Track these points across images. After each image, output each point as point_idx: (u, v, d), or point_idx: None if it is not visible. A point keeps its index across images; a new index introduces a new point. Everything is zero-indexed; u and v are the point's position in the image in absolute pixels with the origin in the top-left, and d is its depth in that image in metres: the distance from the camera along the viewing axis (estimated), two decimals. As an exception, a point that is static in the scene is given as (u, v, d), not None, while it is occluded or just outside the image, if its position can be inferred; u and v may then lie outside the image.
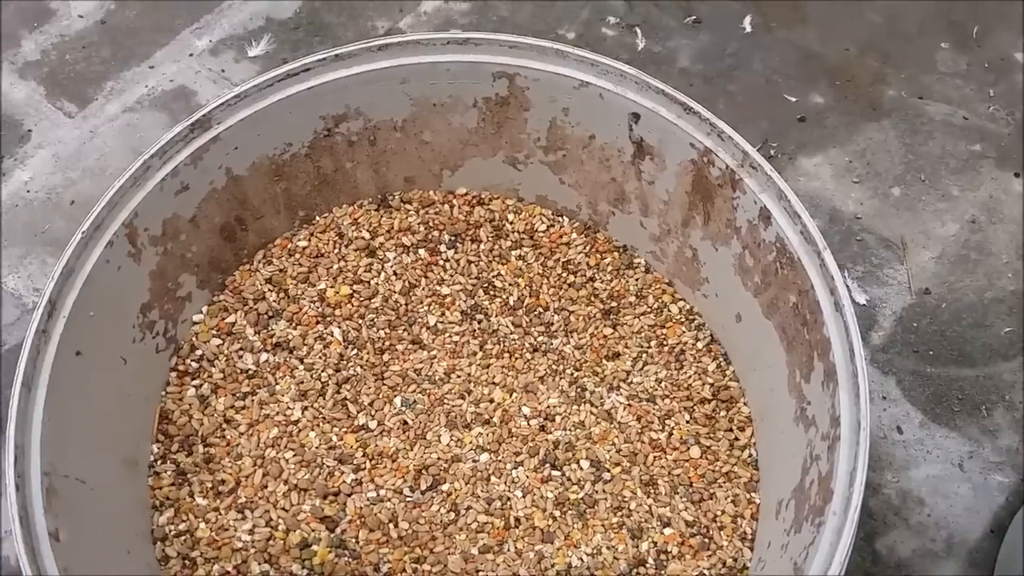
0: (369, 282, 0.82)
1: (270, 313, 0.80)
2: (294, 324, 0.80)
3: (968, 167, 1.05)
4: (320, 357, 0.79)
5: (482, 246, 0.85)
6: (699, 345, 0.81)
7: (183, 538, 0.71)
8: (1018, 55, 1.15)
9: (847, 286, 0.96)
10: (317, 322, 0.80)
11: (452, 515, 0.73)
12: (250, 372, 0.78)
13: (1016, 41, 1.16)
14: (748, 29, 1.18)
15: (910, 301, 0.96)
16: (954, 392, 0.90)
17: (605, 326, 0.82)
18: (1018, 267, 0.98)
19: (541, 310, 0.83)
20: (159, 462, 0.74)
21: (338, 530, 0.72)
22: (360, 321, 0.81)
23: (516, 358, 0.80)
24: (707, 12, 1.20)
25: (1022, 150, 1.06)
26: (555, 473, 0.75)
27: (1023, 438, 0.87)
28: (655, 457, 0.76)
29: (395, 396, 0.78)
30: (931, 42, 1.16)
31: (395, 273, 0.83)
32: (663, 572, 0.71)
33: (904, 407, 0.89)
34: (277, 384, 0.77)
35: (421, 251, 0.84)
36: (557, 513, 0.73)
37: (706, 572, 0.71)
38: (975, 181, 1.04)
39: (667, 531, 0.73)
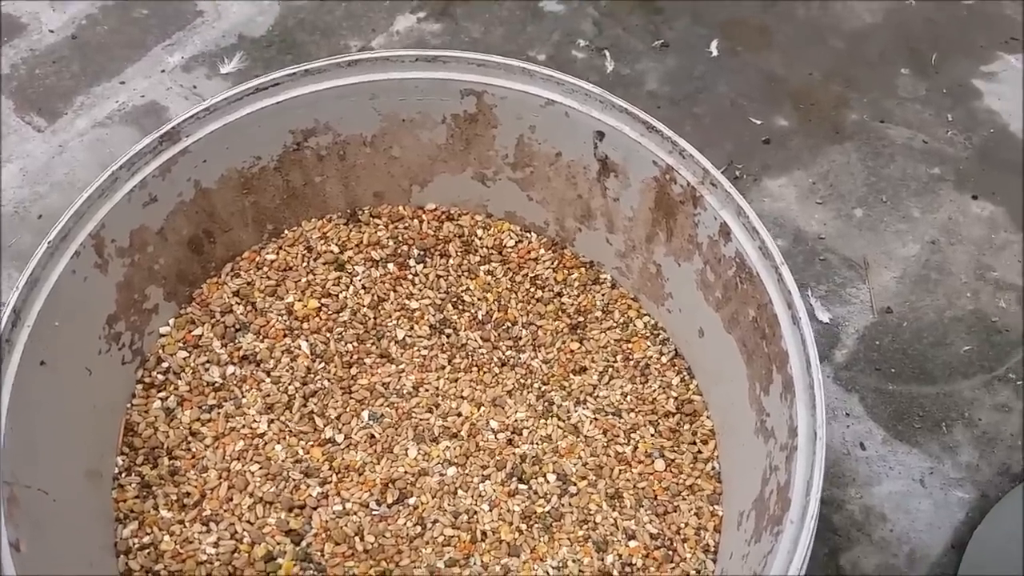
0: (338, 296, 0.83)
1: (237, 326, 0.80)
2: (261, 337, 0.80)
3: (928, 189, 1.08)
4: (287, 370, 0.79)
5: (451, 261, 0.85)
6: (663, 359, 0.82)
7: (147, 551, 0.70)
8: (975, 81, 1.18)
9: (811, 305, 0.98)
10: (285, 335, 0.80)
11: (419, 529, 0.73)
12: (217, 385, 0.78)
13: (973, 68, 1.19)
14: (715, 53, 1.20)
15: (872, 320, 0.97)
16: (915, 409, 0.92)
17: (572, 340, 0.83)
18: (976, 287, 1.00)
19: (509, 324, 0.83)
20: (124, 474, 0.73)
21: (304, 543, 0.71)
22: (328, 334, 0.81)
23: (484, 372, 0.81)
24: (674, 36, 1.22)
25: (979, 173, 1.09)
26: (522, 487, 0.75)
27: (982, 454, 0.89)
28: (620, 470, 0.76)
29: (362, 410, 0.78)
30: (892, 68, 1.19)
31: (364, 287, 0.83)
32: (627, 585, 0.72)
33: (867, 424, 0.91)
34: (244, 397, 0.77)
35: (390, 265, 0.85)
36: (524, 527, 0.74)
37: (670, 584, 0.72)
38: (935, 203, 1.07)
39: (632, 544, 0.73)
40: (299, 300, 0.82)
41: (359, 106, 0.76)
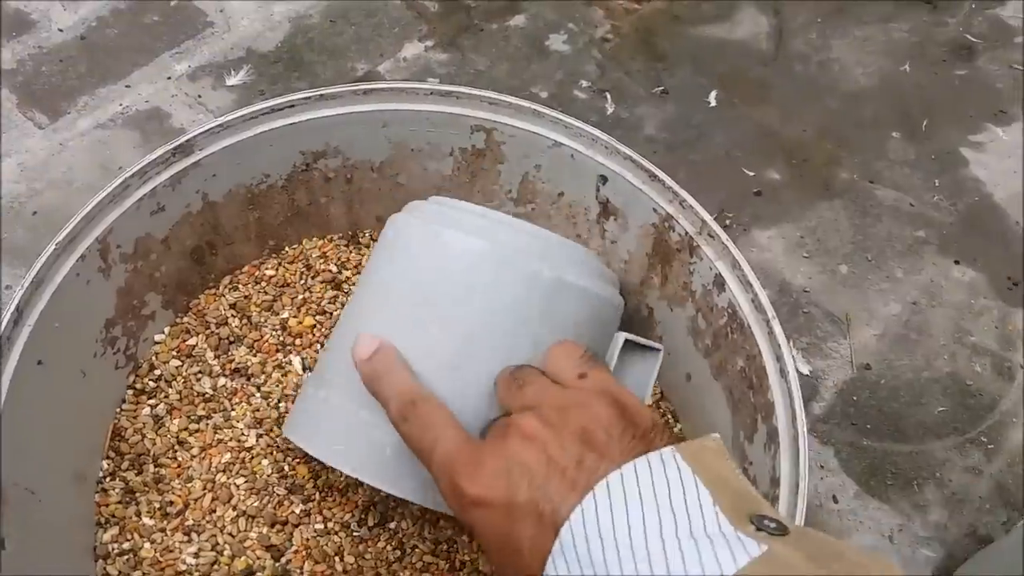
0: (332, 314, 0.83)
1: (232, 338, 0.81)
2: (254, 351, 0.81)
3: (912, 251, 1.11)
4: (278, 385, 0.80)
5: (446, 289, 0.87)
6: (650, 401, 0.83)
7: (126, 557, 0.70)
8: (963, 150, 1.21)
9: (792, 356, 1.00)
10: (277, 350, 0.81)
11: (398, 553, 0.74)
12: (207, 396, 0.78)
13: (962, 137, 1.23)
14: (713, 103, 1.23)
15: (851, 375, 1.00)
16: (888, 466, 0.94)
17: (560, 376, 0.84)
18: (954, 350, 1.02)
19: (499, 356, 0.84)
20: (108, 479, 0.73)
21: (283, 559, 0.72)
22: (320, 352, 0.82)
23: (471, 401, 0.82)
24: (675, 84, 1.25)
25: (962, 239, 1.12)
26: (501, 517, 0.76)
27: (951, 515, 0.91)
28: (600, 507, 0.77)
29: (349, 430, 0.79)
30: (883, 131, 1.23)
31: (359, 309, 0.84)
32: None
33: (841, 477, 0.93)
34: (233, 410, 0.78)
35: (386, 289, 0.86)
36: (500, 557, 0.74)
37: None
38: (918, 265, 1.10)
39: (607, 581, 0.74)
40: (294, 316, 0.83)
41: (370, 133, 0.77)
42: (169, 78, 1.21)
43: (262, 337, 0.81)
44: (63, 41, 1.24)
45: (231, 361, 0.80)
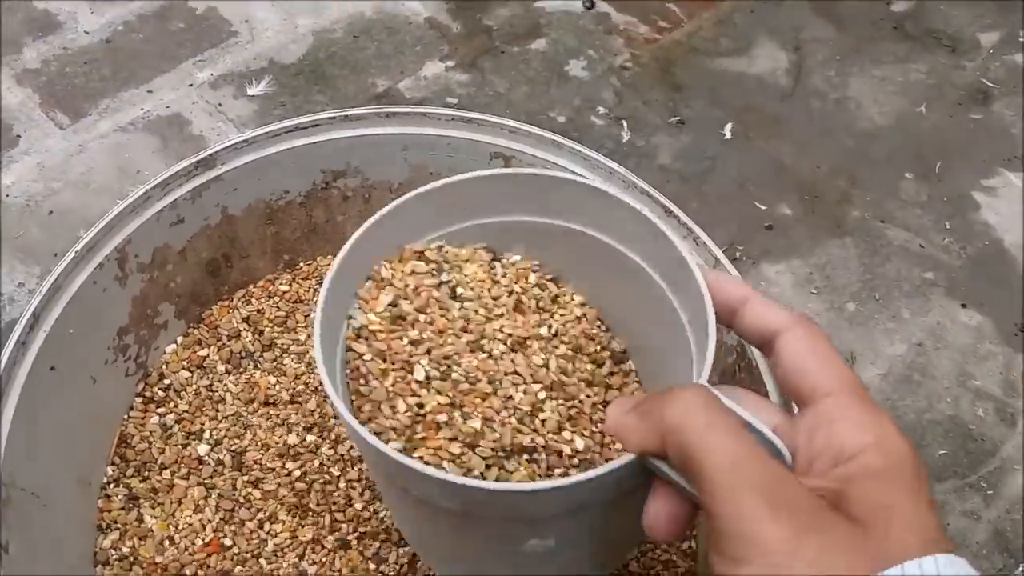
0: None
1: (243, 353, 0.81)
2: (267, 372, 0.81)
3: (919, 293, 1.11)
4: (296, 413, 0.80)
5: (456, 311, 0.87)
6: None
7: (124, 562, 0.71)
8: (975, 194, 1.22)
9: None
10: (296, 376, 0.81)
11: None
12: (217, 409, 0.78)
13: (974, 180, 1.23)
14: (728, 136, 1.24)
15: (854, 414, 1.00)
16: (886, 507, 0.94)
17: (565, 404, 0.84)
18: (957, 393, 1.03)
19: (506, 380, 0.85)
20: (112, 485, 0.74)
21: (282, 574, 0.72)
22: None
23: (476, 424, 0.82)
24: (691, 115, 1.26)
25: (970, 283, 1.12)
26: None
27: (946, 559, 0.91)
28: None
29: (354, 447, 0.79)
30: (897, 171, 1.23)
31: (369, 327, 0.85)
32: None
33: (838, 516, 0.93)
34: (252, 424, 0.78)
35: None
36: None
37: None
38: (925, 307, 1.10)
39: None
40: (310, 337, 0.83)
41: (391, 155, 0.78)
42: (191, 85, 1.22)
43: (276, 357, 0.81)
44: (88, 43, 1.25)
45: (243, 374, 0.80)
